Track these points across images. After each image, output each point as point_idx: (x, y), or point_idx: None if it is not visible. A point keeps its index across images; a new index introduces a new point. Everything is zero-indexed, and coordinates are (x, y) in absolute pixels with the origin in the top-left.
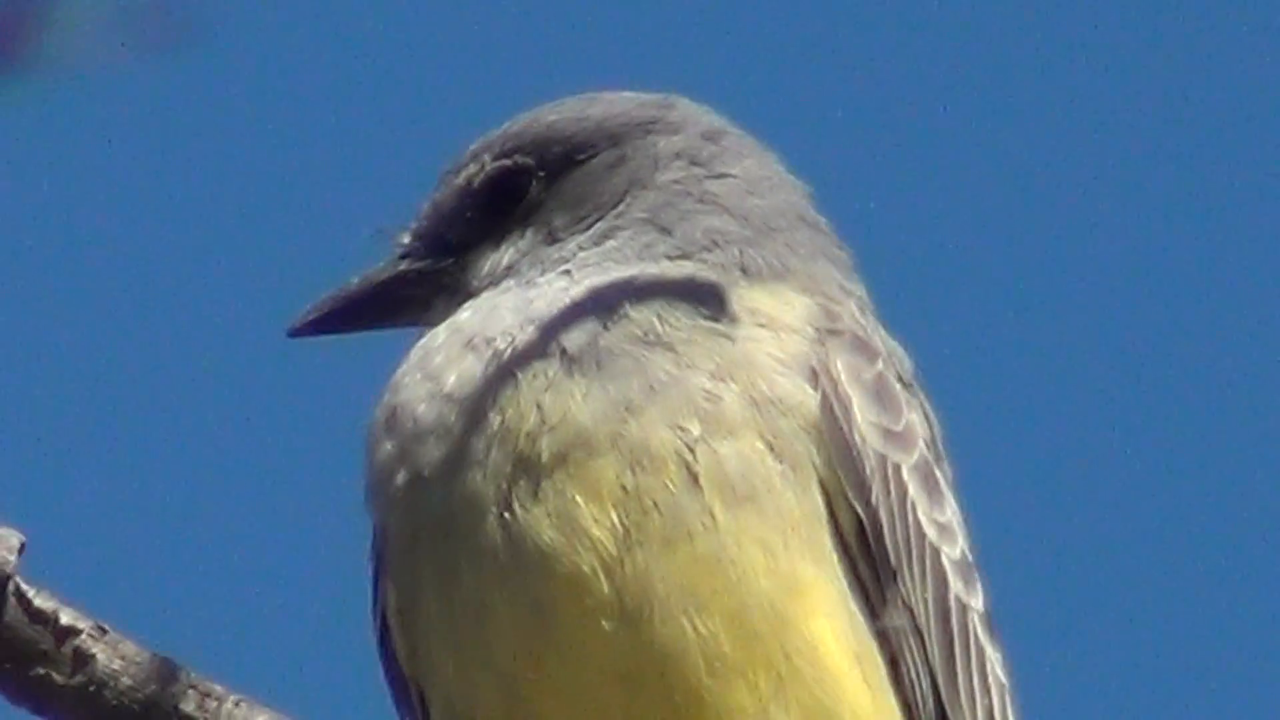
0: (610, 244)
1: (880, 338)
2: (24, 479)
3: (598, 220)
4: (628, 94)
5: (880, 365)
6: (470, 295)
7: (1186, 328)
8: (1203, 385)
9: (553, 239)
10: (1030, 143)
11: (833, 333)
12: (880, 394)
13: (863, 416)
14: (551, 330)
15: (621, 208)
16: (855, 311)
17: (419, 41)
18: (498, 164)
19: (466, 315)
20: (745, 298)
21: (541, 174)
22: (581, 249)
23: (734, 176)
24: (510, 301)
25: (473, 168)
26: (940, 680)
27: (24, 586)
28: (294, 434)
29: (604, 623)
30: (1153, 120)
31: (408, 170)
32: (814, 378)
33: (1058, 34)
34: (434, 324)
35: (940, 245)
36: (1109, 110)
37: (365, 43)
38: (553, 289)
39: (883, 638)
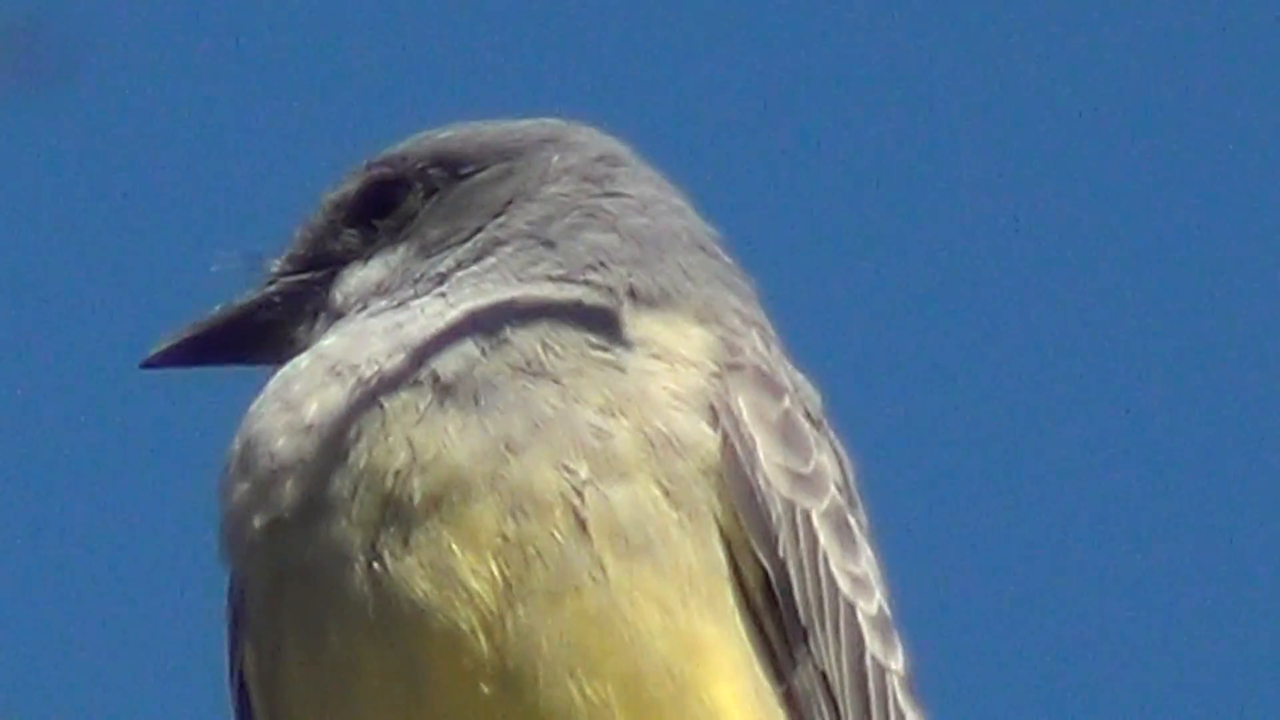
0: (489, 260)
1: (786, 372)
2: None
3: (477, 232)
4: (531, 120)
5: (787, 402)
6: (337, 317)
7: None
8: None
9: (428, 254)
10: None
11: (734, 367)
12: (787, 434)
13: (768, 459)
14: (424, 357)
15: (503, 219)
16: (758, 344)
17: (294, 72)
18: (373, 174)
19: (331, 341)
20: (637, 326)
21: (420, 187)
22: (459, 264)
23: (627, 196)
24: (379, 325)
25: (347, 184)
26: None
27: None
28: (143, 476)
29: (483, 686)
30: (1141, 123)
31: (288, 201)
32: (714, 416)
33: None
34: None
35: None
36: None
37: (241, 73)
38: (426, 312)
39: (791, 700)
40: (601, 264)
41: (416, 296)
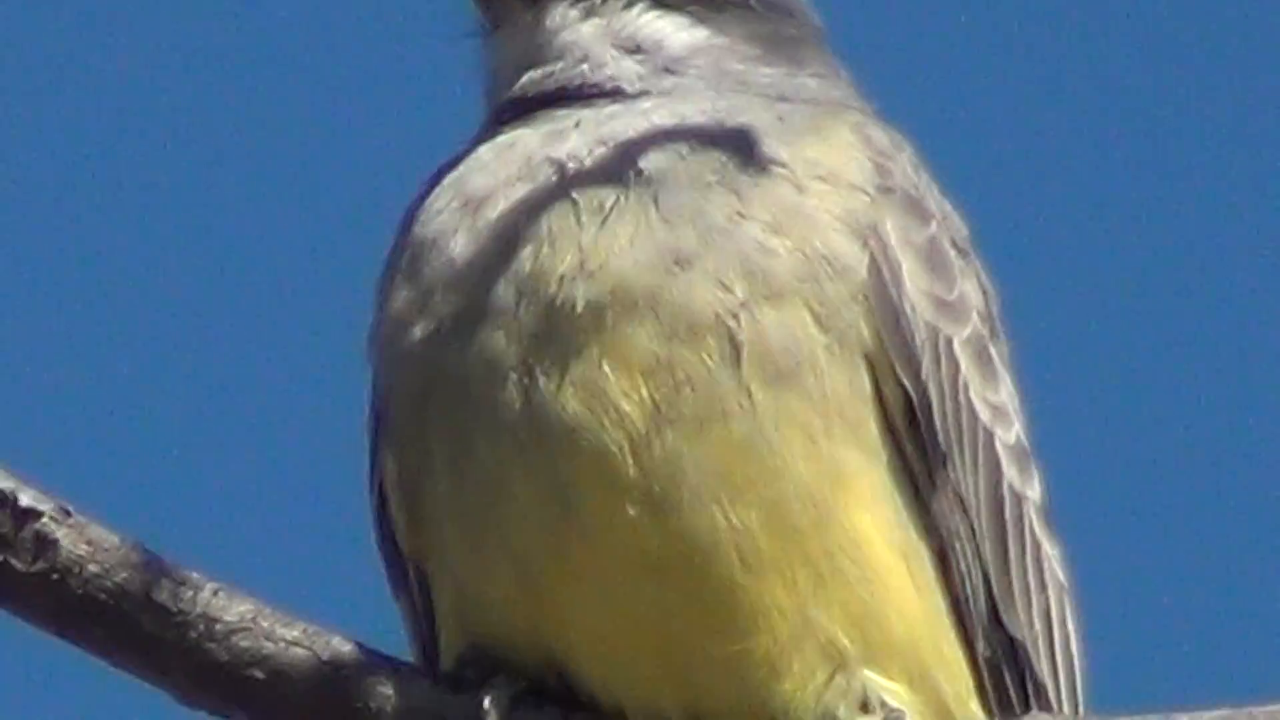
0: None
1: (934, 198)
2: None
3: (775, 67)
4: None
5: (934, 228)
6: (609, 40)
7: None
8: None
9: (737, 59)
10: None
11: (885, 190)
12: (933, 259)
13: (913, 283)
14: (621, 158)
15: (792, 68)
16: (909, 168)
17: None
18: None
19: (526, 131)
20: (809, 147)
21: None
22: (755, 83)
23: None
24: (590, 115)
25: None
26: (993, 577)
27: None
28: (262, 288)
29: (629, 508)
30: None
31: None
32: (864, 239)
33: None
34: (503, 47)
35: None
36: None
37: None
38: (634, 108)
39: (931, 529)
40: (814, 91)
41: (691, 92)
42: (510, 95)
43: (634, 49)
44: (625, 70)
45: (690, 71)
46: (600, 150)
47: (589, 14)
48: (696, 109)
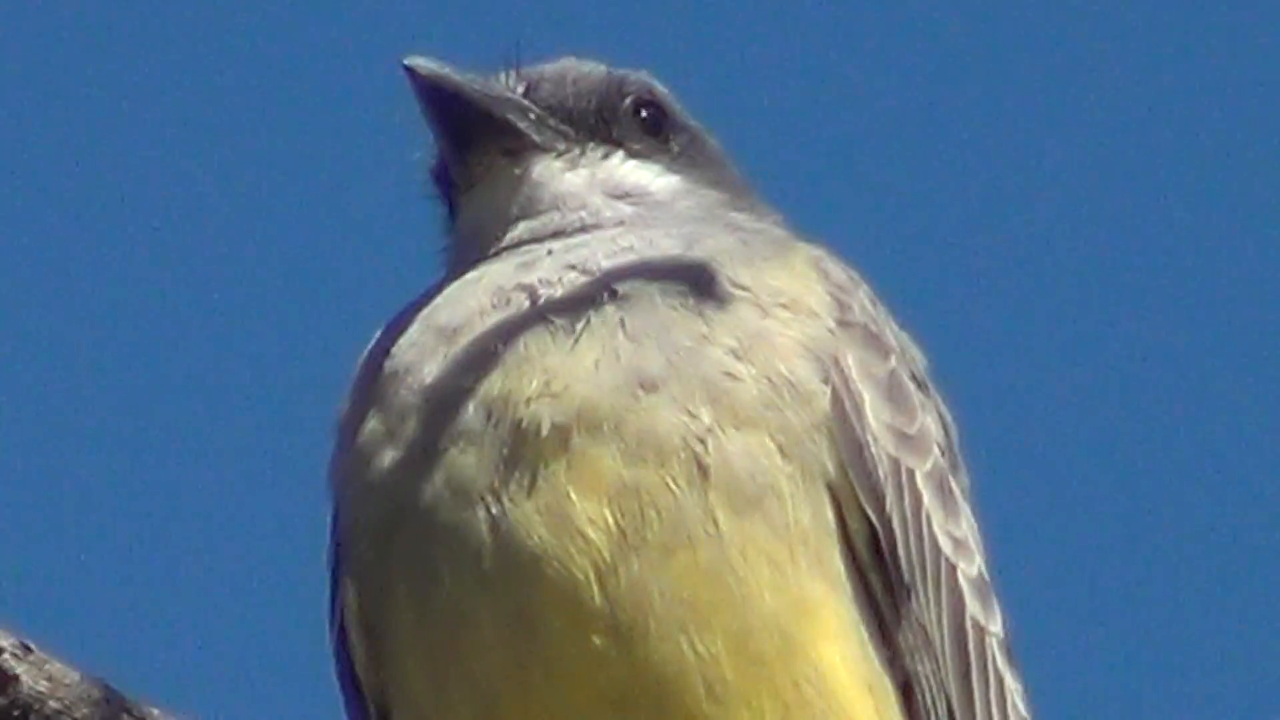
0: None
1: (893, 331)
2: None
3: (747, 207)
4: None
5: (893, 361)
6: (595, 188)
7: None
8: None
9: (703, 200)
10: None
11: (844, 324)
12: (893, 393)
13: (875, 416)
14: (590, 284)
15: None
16: (866, 302)
17: None
18: (657, 99)
19: (497, 266)
20: (771, 276)
21: (681, 138)
22: (720, 221)
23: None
24: (558, 245)
25: (628, 83)
26: (956, 710)
27: None
28: (232, 419)
29: (595, 638)
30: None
31: None
32: (825, 371)
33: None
34: (487, 199)
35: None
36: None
37: None
38: (603, 235)
39: (895, 662)
40: (761, 228)
41: (671, 227)
42: (501, 244)
43: (623, 195)
44: (621, 213)
45: (675, 211)
46: (569, 275)
47: (573, 165)
48: (663, 235)
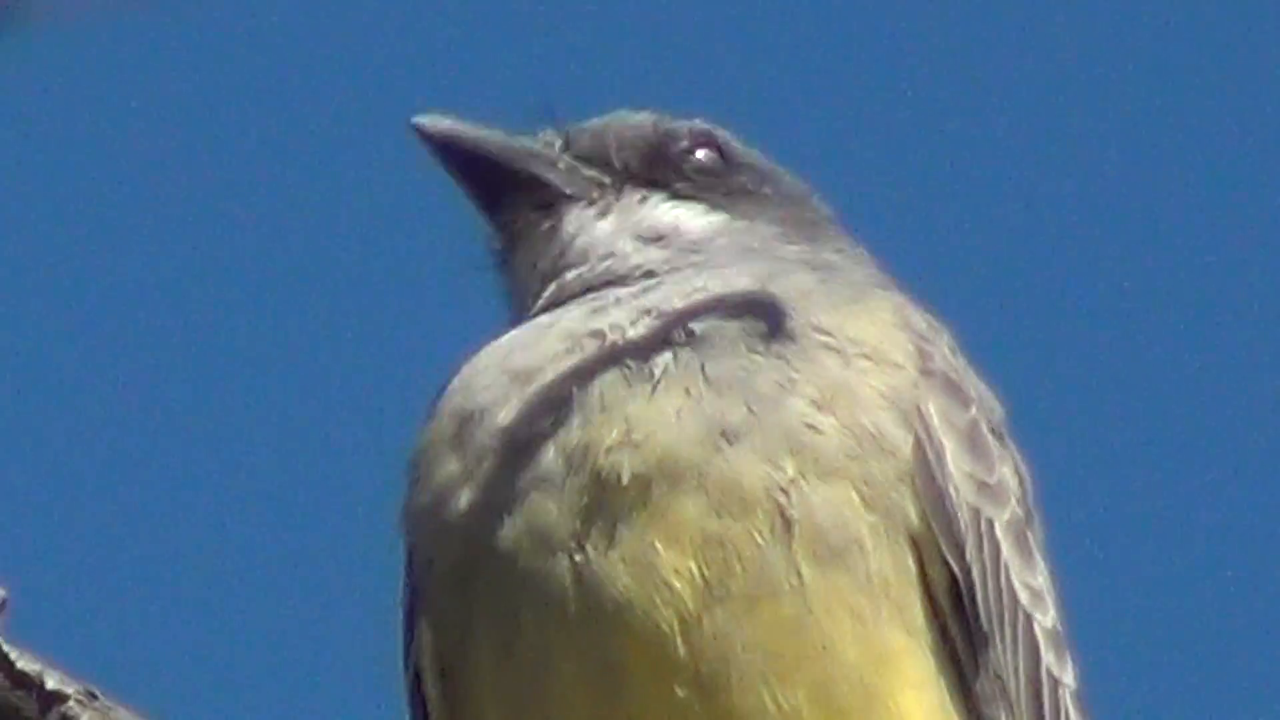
0: (795, 260)
1: (972, 382)
2: (7, 527)
3: (794, 242)
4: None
5: (974, 411)
6: (627, 233)
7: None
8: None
9: (754, 236)
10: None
11: (926, 373)
12: (974, 442)
13: (956, 465)
14: (665, 328)
15: (830, 237)
16: (947, 351)
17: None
18: (711, 139)
19: (573, 312)
20: (853, 324)
21: (740, 178)
22: (781, 256)
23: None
24: (628, 292)
25: (677, 126)
26: None
27: (5, 647)
28: (299, 461)
29: (678, 689)
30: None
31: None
32: (908, 420)
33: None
34: (520, 241)
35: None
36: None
37: None
38: (671, 281)
39: (973, 711)
40: (837, 267)
41: (721, 266)
42: (541, 303)
43: (655, 238)
44: (651, 258)
45: (713, 249)
46: (643, 320)
47: (604, 213)
48: (736, 276)
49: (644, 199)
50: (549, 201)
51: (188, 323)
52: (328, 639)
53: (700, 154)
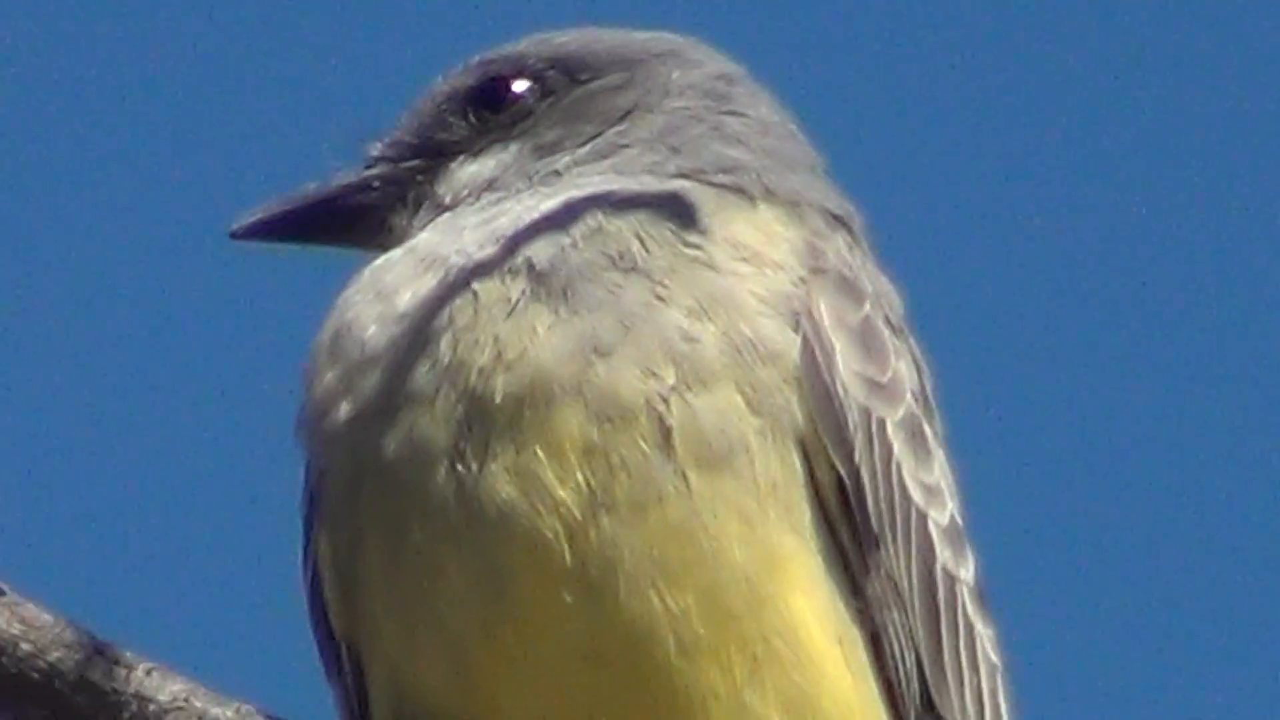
0: (610, 160)
1: (869, 276)
2: None
3: (595, 137)
4: (648, 33)
5: (867, 308)
6: (440, 210)
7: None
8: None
9: (543, 154)
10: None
11: (817, 271)
12: (866, 340)
13: (846, 365)
14: (517, 247)
15: (624, 127)
16: (842, 247)
17: None
18: (490, 69)
19: (426, 235)
20: (729, 226)
21: (537, 87)
22: (577, 164)
23: (747, 116)
24: (475, 218)
25: (461, 77)
26: (925, 660)
27: None
28: (209, 368)
29: (565, 594)
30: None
31: (384, 85)
32: (796, 321)
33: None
34: (391, 247)
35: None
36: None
37: None
38: (524, 204)
39: (864, 612)
40: (723, 170)
41: (529, 188)
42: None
43: (461, 200)
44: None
45: (521, 181)
46: (498, 243)
47: (416, 208)
48: (599, 189)
49: (443, 171)
50: (381, 217)
51: None
52: (239, 542)
53: (475, 106)
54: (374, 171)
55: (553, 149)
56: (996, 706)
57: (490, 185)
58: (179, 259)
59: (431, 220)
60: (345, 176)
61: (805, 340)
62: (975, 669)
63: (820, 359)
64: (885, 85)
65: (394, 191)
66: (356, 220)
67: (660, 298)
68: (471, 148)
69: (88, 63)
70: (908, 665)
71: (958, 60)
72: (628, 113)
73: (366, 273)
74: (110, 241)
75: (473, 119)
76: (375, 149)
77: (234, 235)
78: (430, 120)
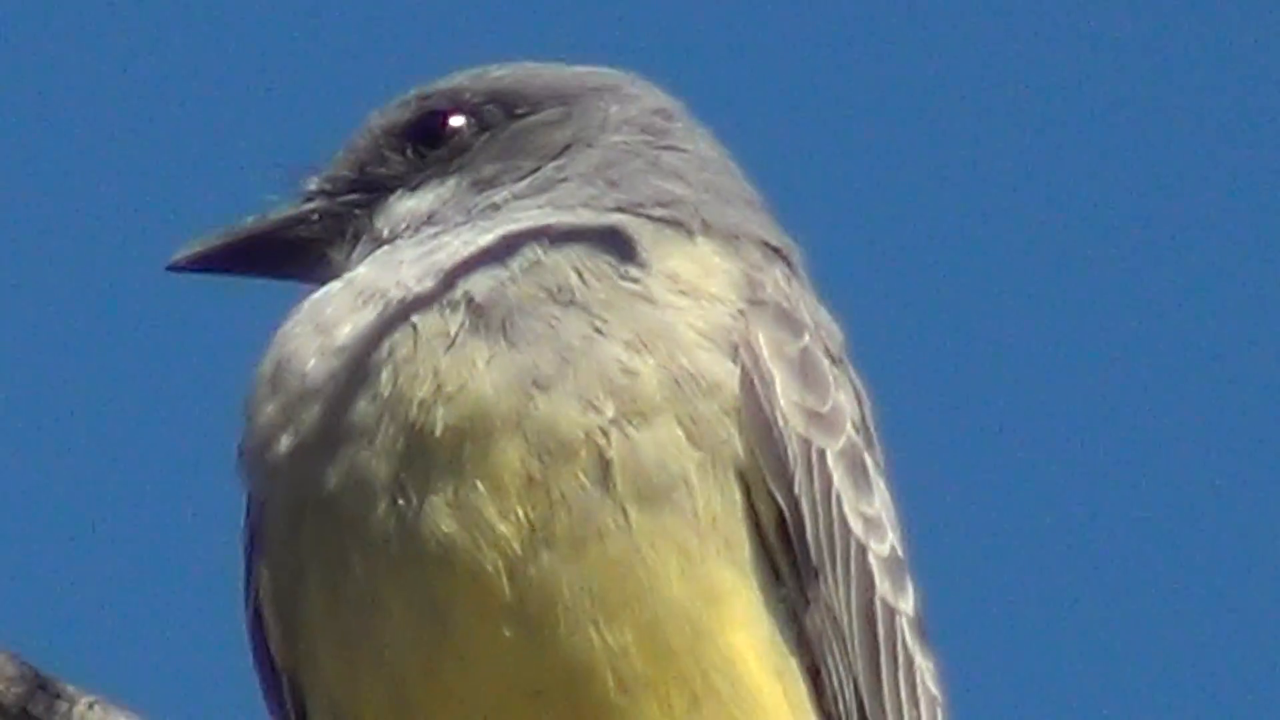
0: (548, 194)
1: (808, 308)
2: None
3: (534, 171)
4: (585, 67)
5: (806, 339)
6: (378, 243)
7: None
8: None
9: (481, 188)
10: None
11: (755, 303)
12: (806, 371)
13: (785, 396)
14: (456, 281)
15: (562, 160)
16: (780, 279)
17: None
18: (427, 104)
19: (364, 269)
20: (667, 259)
21: (474, 122)
22: (515, 197)
23: (685, 151)
24: (413, 252)
25: (398, 111)
26: (864, 692)
27: None
28: (152, 403)
29: (505, 630)
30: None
31: (321, 119)
32: (735, 353)
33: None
34: (330, 279)
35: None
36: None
37: None
38: (462, 238)
39: (804, 645)
40: (659, 204)
41: (468, 222)
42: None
43: (397, 235)
44: (402, 254)
45: (463, 215)
46: (435, 276)
47: (355, 242)
48: (536, 222)
49: (378, 208)
50: (320, 251)
51: None
52: (182, 574)
53: (411, 142)
54: (312, 205)
55: (490, 183)
56: None
57: (428, 219)
58: (115, 287)
59: (370, 253)
60: (283, 210)
61: (744, 371)
62: (915, 702)
63: (759, 390)
64: (819, 115)
65: (332, 225)
66: (295, 253)
67: (599, 331)
68: (409, 182)
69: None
70: (847, 698)
71: (894, 88)
72: (566, 147)
73: (306, 305)
74: (45, 267)
75: (410, 153)
76: (312, 183)
77: (172, 267)
78: (367, 155)
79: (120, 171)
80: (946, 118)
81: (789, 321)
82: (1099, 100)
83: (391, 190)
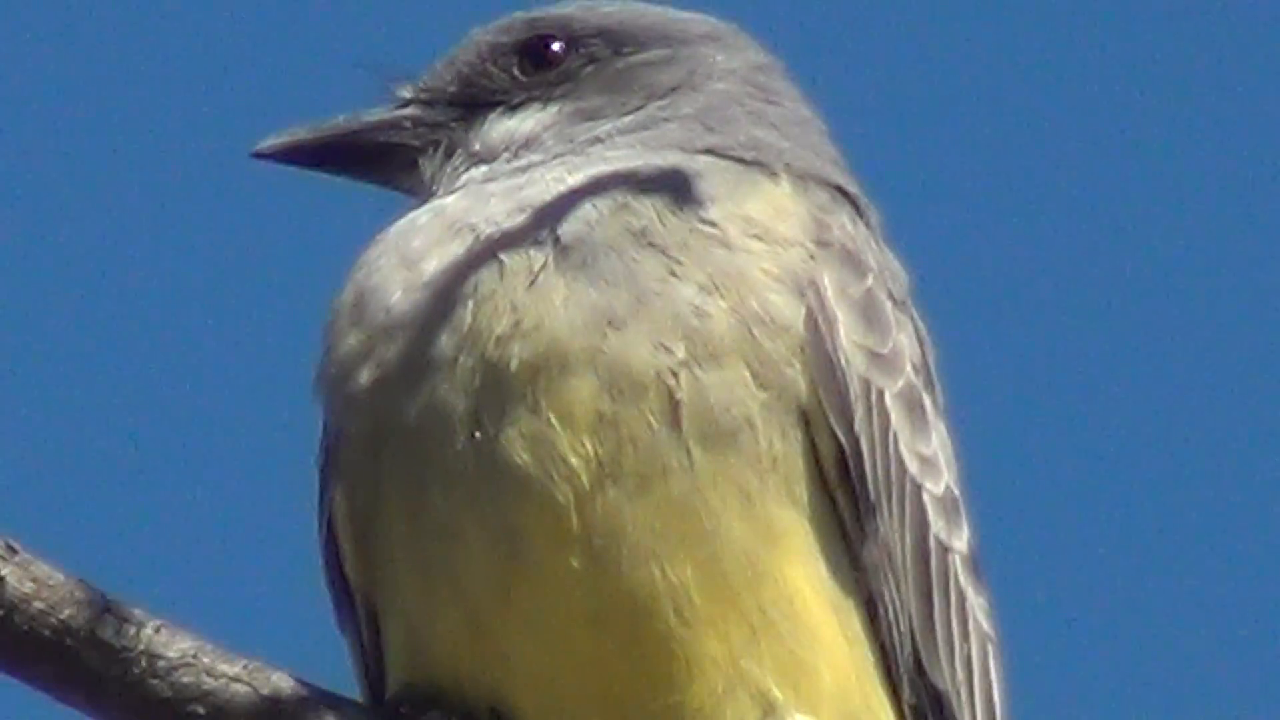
0: (649, 132)
1: (873, 251)
2: None
3: (639, 109)
4: (693, 13)
5: (870, 281)
6: (471, 161)
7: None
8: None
9: (583, 118)
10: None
11: (822, 244)
12: (868, 312)
13: (848, 336)
14: (544, 220)
15: (667, 101)
16: (847, 222)
17: None
18: (537, 29)
19: (453, 199)
20: (746, 203)
21: (584, 53)
22: (619, 132)
23: (783, 107)
24: (504, 184)
25: (506, 31)
26: (917, 628)
27: None
28: (221, 328)
29: (573, 560)
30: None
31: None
32: (801, 294)
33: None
34: (417, 191)
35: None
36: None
37: None
38: (553, 173)
39: (860, 581)
40: (746, 147)
41: (560, 157)
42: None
43: (496, 157)
44: (501, 170)
45: (554, 146)
46: (522, 213)
47: (450, 153)
48: (610, 165)
49: (479, 124)
50: (410, 158)
51: None
52: (250, 499)
53: (525, 58)
54: (406, 112)
55: (594, 115)
56: (986, 674)
57: (526, 143)
58: (198, 194)
59: (460, 175)
60: (377, 113)
61: (809, 312)
62: (966, 637)
63: (823, 330)
64: (892, 85)
65: (426, 134)
66: (383, 157)
67: (674, 274)
68: (510, 101)
69: None
70: (900, 632)
71: (964, 61)
72: (672, 89)
73: (391, 233)
74: (129, 176)
75: (515, 73)
76: (407, 90)
77: (257, 155)
78: (469, 69)
79: (223, 64)
80: (960, 116)
81: (854, 263)
82: (1100, 99)
83: (491, 107)
